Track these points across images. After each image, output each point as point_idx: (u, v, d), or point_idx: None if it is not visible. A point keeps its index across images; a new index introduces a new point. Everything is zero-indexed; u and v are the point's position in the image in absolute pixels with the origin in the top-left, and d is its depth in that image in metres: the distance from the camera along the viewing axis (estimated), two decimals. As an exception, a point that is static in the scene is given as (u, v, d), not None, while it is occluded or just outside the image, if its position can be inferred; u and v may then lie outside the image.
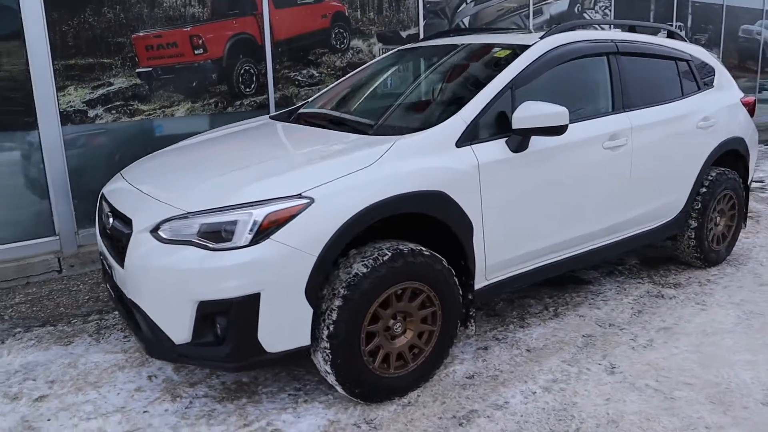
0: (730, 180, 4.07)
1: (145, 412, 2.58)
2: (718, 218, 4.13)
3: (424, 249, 2.56)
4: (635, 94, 3.51)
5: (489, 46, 3.35)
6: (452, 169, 2.63)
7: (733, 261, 4.30)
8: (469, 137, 2.73)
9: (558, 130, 2.77)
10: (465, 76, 3.27)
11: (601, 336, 3.18)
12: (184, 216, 2.32)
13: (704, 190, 3.93)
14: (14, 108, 3.97)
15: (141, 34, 4.42)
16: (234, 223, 2.24)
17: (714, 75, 4.16)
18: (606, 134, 3.24)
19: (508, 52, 3.15)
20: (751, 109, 4.32)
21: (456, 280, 2.69)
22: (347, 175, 2.41)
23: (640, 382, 2.74)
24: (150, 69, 4.48)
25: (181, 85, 4.63)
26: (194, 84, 4.70)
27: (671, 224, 3.84)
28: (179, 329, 2.31)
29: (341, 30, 5.54)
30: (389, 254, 2.45)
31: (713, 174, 3.99)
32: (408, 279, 2.51)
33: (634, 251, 4.44)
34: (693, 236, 3.96)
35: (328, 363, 2.40)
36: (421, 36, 5.99)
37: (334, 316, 2.35)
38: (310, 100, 3.96)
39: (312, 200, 2.31)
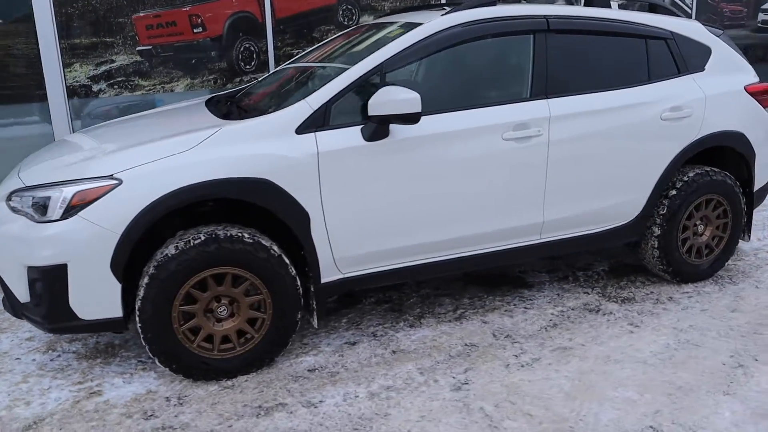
0: (717, 182, 3.41)
1: (17, 359, 2.90)
2: (700, 227, 3.50)
3: (246, 235, 2.53)
4: (567, 79, 3.07)
5: (390, 25, 3.13)
6: (283, 156, 2.55)
7: (723, 278, 3.62)
8: (314, 123, 2.61)
9: (411, 118, 2.55)
10: (345, 59, 3.08)
11: (485, 347, 2.90)
12: (24, 189, 2.55)
13: (674, 192, 3.34)
14: (28, 83, 4.53)
15: (141, 14, 4.76)
16: (49, 198, 2.42)
17: (710, 56, 3.48)
18: (509, 123, 2.88)
19: (400, 31, 2.93)
20: (764, 98, 3.56)
21: (292, 270, 2.62)
22: (162, 158, 2.45)
23: (478, 404, 2.47)
24: (150, 47, 4.82)
25: (181, 63, 4.92)
26: (193, 61, 4.97)
27: (625, 229, 3.33)
28: (21, 290, 2.56)
29: (349, 6, 5.46)
30: (202, 238, 2.47)
31: (690, 174, 3.37)
32: (224, 264, 2.51)
33: (611, 255, 3.94)
34: (656, 245, 3.40)
35: (141, 336, 2.51)
36: None
37: (142, 292, 2.45)
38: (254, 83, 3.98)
39: (120, 181, 2.40)
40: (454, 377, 2.67)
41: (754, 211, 3.77)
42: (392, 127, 2.67)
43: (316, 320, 2.79)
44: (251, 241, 2.53)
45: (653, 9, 3.56)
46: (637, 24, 3.30)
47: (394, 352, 2.89)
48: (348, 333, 3.08)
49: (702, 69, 3.42)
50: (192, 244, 2.46)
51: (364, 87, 2.69)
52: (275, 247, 2.58)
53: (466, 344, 2.94)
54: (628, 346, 2.89)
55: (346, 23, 5.45)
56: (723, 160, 3.55)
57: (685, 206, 3.37)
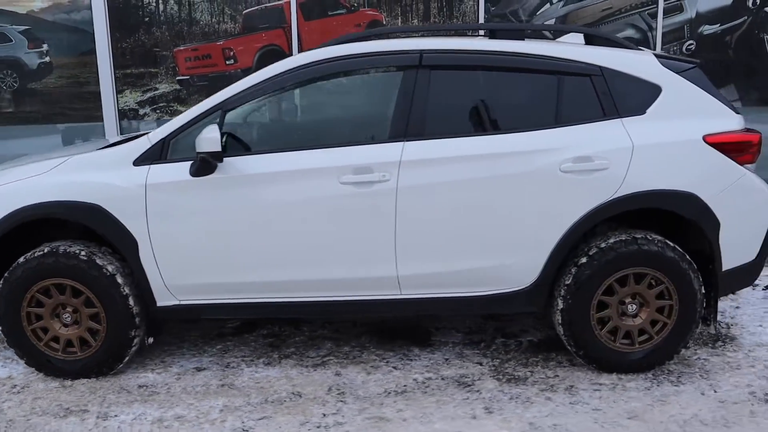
0: (651, 254, 2.75)
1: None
2: (631, 306, 2.83)
3: (82, 253, 2.80)
4: (439, 120, 2.78)
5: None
6: (115, 185, 2.76)
7: (669, 373, 2.87)
8: (152, 157, 2.78)
9: (214, 156, 2.60)
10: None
11: (306, 400, 2.72)
12: None
13: (584, 260, 2.77)
14: (90, 106, 5.49)
15: (181, 48, 5.44)
16: None
17: (657, 97, 2.82)
18: (348, 167, 2.71)
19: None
20: (744, 149, 2.77)
21: (125, 290, 2.82)
22: (20, 180, 2.86)
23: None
24: (188, 77, 5.48)
25: (214, 91, 5.47)
26: (225, 90, 5.52)
27: (516, 297, 2.86)
28: None
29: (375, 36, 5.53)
30: (45, 251, 2.81)
31: (611, 240, 2.77)
32: (61, 276, 2.81)
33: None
34: (561, 321, 2.84)
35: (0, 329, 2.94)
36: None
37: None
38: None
39: None
40: (243, 422, 2.59)
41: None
42: (224, 164, 2.73)
43: (151, 339, 2.96)
44: (85, 258, 2.80)
45: (589, 41, 3.03)
46: (547, 58, 2.84)
47: (223, 385, 2.89)
48: (208, 358, 3.16)
49: (641, 112, 2.80)
50: (35, 255, 2.82)
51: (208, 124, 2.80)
52: (109, 267, 2.82)
53: (292, 393, 2.81)
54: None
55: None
56: (686, 229, 2.87)
57: (598, 278, 2.78)
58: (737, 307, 3.65)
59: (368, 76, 2.86)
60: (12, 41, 5.16)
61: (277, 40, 5.46)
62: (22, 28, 5.20)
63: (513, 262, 2.81)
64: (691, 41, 5.41)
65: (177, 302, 2.90)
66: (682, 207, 2.77)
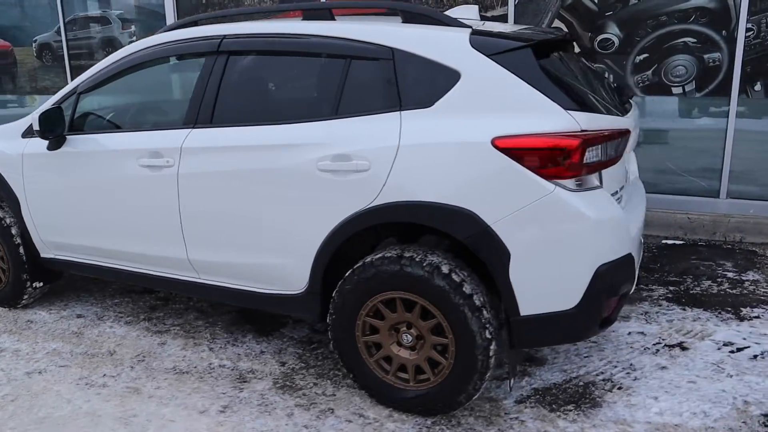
0: (413, 278, 2.28)
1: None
2: (405, 336, 2.39)
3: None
4: (231, 107, 2.66)
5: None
6: (7, 153, 3.30)
7: (450, 427, 2.34)
8: (31, 131, 3.24)
9: (43, 134, 2.95)
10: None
11: (87, 356, 2.99)
12: None
13: (347, 274, 2.42)
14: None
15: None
16: None
17: (454, 86, 2.23)
18: (145, 150, 2.80)
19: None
20: (551, 158, 2.06)
21: (16, 240, 3.39)
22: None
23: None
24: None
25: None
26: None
27: (294, 301, 2.65)
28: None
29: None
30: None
31: (377, 256, 2.36)
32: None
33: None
34: (330, 336, 2.54)
35: None
36: (510, 19, 4.79)
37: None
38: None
39: None
40: (46, 365, 2.95)
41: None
42: (68, 141, 3.05)
43: (40, 283, 3.49)
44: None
45: (408, 19, 2.50)
46: (336, 40, 2.48)
47: (75, 333, 3.29)
48: (98, 309, 3.59)
49: (428, 104, 2.29)
50: None
51: (66, 104, 3.15)
52: (7, 219, 3.41)
53: (108, 351, 3.09)
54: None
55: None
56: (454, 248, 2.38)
57: (360, 297, 2.42)
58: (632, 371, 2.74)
59: (184, 63, 2.88)
60: (111, 24, 6.24)
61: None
62: (117, 12, 6.24)
63: (282, 263, 2.61)
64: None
65: (53, 256, 3.38)
66: (452, 227, 2.23)
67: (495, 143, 2.14)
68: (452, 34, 2.36)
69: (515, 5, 4.73)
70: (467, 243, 2.22)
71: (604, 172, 2.25)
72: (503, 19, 4.81)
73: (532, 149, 2.11)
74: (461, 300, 2.22)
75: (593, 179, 2.20)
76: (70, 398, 2.68)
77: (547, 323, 2.22)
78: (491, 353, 2.25)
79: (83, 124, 3.14)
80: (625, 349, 2.91)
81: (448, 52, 2.30)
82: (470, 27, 2.37)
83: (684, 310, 3.30)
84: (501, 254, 2.17)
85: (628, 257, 2.25)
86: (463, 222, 2.19)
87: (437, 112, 2.27)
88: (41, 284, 3.58)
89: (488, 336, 2.24)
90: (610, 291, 2.24)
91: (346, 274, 2.44)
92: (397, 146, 2.28)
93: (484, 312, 2.23)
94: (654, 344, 2.94)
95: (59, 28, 6.11)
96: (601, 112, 2.27)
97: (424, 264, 2.27)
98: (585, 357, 2.84)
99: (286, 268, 2.62)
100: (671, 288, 3.58)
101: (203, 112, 2.72)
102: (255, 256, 2.68)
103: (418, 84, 2.32)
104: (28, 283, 3.51)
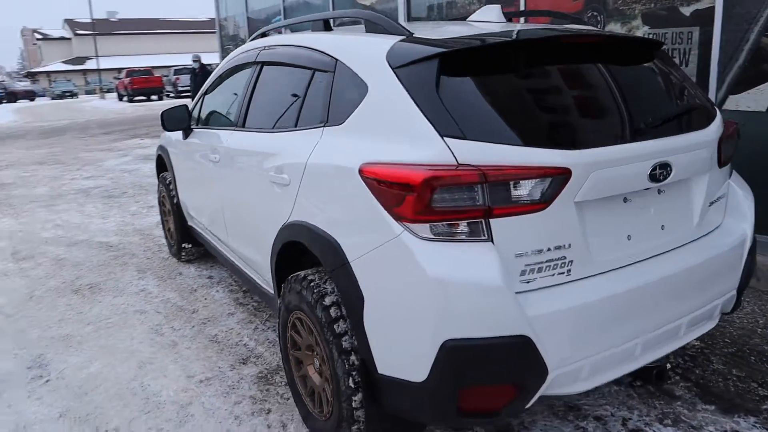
0: (302, 300, 2.13)
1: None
2: (316, 360, 2.24)
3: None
4: (259, 113, 2.81)
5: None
6: (170, 138, 4.13)
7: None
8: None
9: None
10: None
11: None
12: None
13: (284, 285, 2.39)
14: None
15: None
16: None
17: (361, 101, 1.97)
18: (209, 146, 3.23)
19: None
20: (396, 195, 1.68)
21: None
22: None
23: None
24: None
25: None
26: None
27: (270, 298, 2.75)
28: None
29: (595, 12, 4.55)
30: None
31: (298, 274, 2.26)
32: None
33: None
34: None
35: None
36: (718, 11, 3.71)
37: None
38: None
39: None
40: (151, 309, 3.76)
41: None
42: (194, 131, 3.73)
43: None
44: None
45: (369, 28, 2.22)
46: (307, 50, 2.42)
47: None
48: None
49: (341, 121, 2.07)
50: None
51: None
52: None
53: (182, 306, 3.72)
54: None
55: (590, 33, 4.57)
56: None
57: (285, 308, 2.34)
58: None
59: (244, 69, 3.21)
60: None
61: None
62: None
63: (260, 261, 2.72)
64: None
65: (190, 224, 4.17)
66: (323, 256, 2.00)
67: (361, 170, 1.84)
68: (377, 43, 2.07)
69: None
70: (332, 277, 1.99)
71: (499, 222, 1.70)
72: (708, 13, 3.73)
73: (384, 181, 1.74)
74: (332, 338, 1.98)
75: (468, 228, 1.69)
76: (132, 335, 3.39)
77: (402, 391, 1.81)
78: (355, 405, 1.97)
79: (203, 119, 3.81)
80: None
81: (365, 64, 2.03)
82: (407, 34, 2.05)
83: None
84: (357, 297, 1.85)
85: (517, 340, 1.66)
86: (331, 253, 1.94)
87: (345, 130, 2.04)
88: (189, 246, 4.50)
89: (351, 385, 1.97)
90: (476, 376, 1.70)
91: (282, 285, 2.45)
92: (305, 164, 2.15)
93: (352, 357, 1.97)
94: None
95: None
96: (551, 145, 1.69)
97: (315, 291, 2.07)
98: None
99: (261, 265, 2.73)
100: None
101: (241, 116, 3.02)
102: (247, 247, 2.92)
103: (341, 98, 2.10)
104: (182, 244, 4.47)
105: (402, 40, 2.00)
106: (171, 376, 2.91)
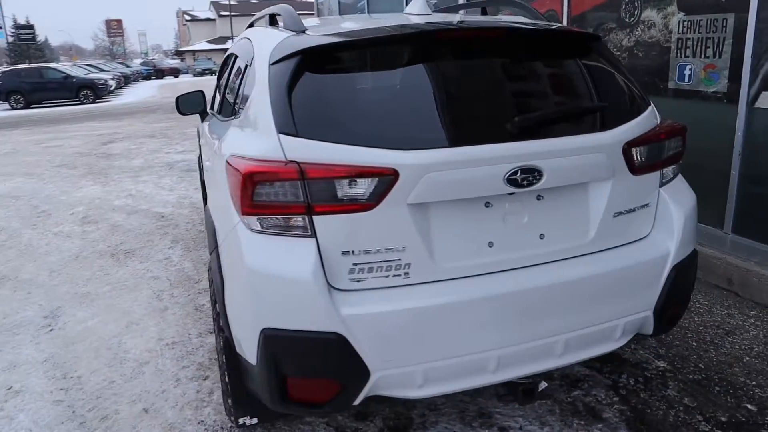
0: (210, 278, 2.29)
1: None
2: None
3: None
4: (224, 102, 3.05)
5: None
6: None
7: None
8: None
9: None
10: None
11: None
12: None
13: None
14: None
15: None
16: None
17: (251, 94, 2.08)
18: (206, 131, 3.48)
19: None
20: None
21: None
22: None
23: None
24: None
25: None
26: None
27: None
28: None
29: (631, 1, 4.18)
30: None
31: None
32: None
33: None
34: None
35: None
36: None
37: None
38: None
39: None
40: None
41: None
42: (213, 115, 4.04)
43: None
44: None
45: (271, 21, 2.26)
46: (249, 44, 2.53)
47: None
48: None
49: (239, 114, 2.22)
50: None
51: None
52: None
53: (192, 277, 4.06)
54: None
55: (627, 20, 4.23)
56: None
57: (211, 288, 2.56)
58: None
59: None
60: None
61: (554, 6, 5.08)
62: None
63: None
64: None
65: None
66: (209, 232, 2.16)
67: (227, 161, 1.94)
68: (273, 39, 2.13)
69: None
70: (210, 259, 2.12)
71: (324, 219, 1.71)
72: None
73: (232, 173, 1.82)
74: (215, 315, 2.17)
75: (292, 224, 1.72)
76: (137, 298, 3.78)
77: (248, 371, 1.91)
78: (226, 377, 2.12)
79: (214, 105, 4.08)
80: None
81: (259, 60, 2.12)
82: (297, 30, 2.10)
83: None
84: (221, 279, 1.99)
85: (331, 336, 1.68)
86: (212, 235, 2.12)
87: (239, 122, 2.17)
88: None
89: (224, 360, 2.11)
90: (295, 366, 1.74)
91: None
92: (217, 153, 2.32)
93: (224, 336, 2.11)
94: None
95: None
96: (388, 145, 1.68)
97: (211, 269, 2.28)
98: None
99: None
100: None
101: (217, 104, 3.25)
102: None
103: (247, 91, 2.24)
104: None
105: (290, 37, 2.06)
106: (146, 336, 3.24)
